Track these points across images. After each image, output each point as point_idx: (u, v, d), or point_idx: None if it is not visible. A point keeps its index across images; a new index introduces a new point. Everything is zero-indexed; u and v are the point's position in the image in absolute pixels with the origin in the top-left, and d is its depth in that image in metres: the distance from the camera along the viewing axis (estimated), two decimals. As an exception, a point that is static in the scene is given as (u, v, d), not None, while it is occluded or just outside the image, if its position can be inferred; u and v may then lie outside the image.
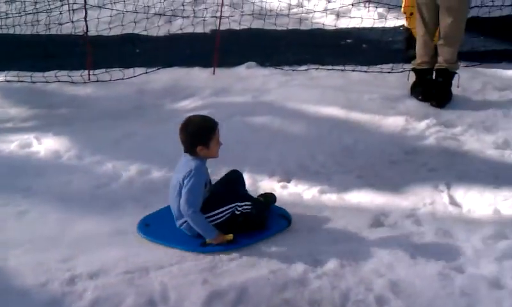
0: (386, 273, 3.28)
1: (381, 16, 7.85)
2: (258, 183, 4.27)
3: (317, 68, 6.29)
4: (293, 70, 6.27)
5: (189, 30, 7.25)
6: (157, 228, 3.73)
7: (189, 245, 3.55)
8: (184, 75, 6.19)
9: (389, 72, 6.18)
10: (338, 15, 7.74)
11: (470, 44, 6.67)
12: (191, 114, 5.02)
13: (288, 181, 4.34)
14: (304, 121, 5.10)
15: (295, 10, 8.07)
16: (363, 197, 4.14)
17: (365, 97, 5.52)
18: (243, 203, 3.64)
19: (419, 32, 5.63)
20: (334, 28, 7.46)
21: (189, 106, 5.40)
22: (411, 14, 6.28)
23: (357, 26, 7.44)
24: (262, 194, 3.97)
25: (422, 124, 5.06)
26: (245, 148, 4.67)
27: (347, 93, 5.60)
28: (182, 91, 5.76)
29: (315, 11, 7.95)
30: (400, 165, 4.57)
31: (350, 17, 7.59)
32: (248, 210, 3.64)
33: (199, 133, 3.58)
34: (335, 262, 3.33)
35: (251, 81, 6.01)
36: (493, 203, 4.03)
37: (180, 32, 7.19)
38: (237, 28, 7.25)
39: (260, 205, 3.75)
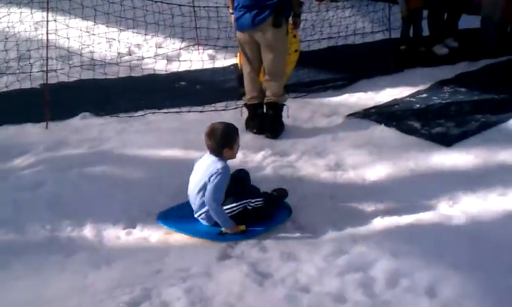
0: (236, 304, 3.34)
1: (211, 57, 8.10)
2: (103, 233, 4.17)
3: (153, 113, 6.31)
4: (129, 117, 6.23)
5: (16, 86, 6.98)
6: (175, 220, 4.26)
7: (208, 235, 4.11)
8: (15, 133, 5.88)
9: (223, 110, 6.35)
10: (168, 60, 7.86)
11: (296, 77, 7.05)
12: (26, 171, 4.94)
13: (134, 227, 4.26)
14: (145, 166, 5.08)
15: (126, 58, 8.08)
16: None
17: (202, 136, 5.58)
18: (255, 200, 4.20)
19: (245, 70, 5.85)
20: (166, 72, 7.56)
21: (23, 164, 5.13)
22: None
23: (188, 69, 7.60)
24: (275, 189, 4.49)
25: (259, 156, 5.26)
26: (86, 200, 4.52)
27: (184, 134, 5.67)
28: (14, 149, 5.44)
29: (144, 58, 8.02)
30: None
31: (180, 61, 7.75)
32: (260, 205, 4.19)
33: (226, 137, 4.21)
34: (185, 301, 3.33)
35: (86, 132, 5.88)
36: (331, 221, 4.25)
37: (6, 89, 6.90)
38: (67, 80, 7.10)
39: (272, 200, 4.35)
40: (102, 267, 3.77)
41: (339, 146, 5.45)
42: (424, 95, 6.61)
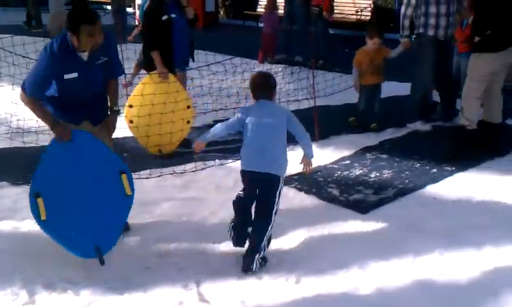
0: None
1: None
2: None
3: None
4: (49, 186, 6.10)
5: None
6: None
7: None
8: None
9: (147, 178, 6.28)
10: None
11: (223, 143, 7.06)
12: None
13: (33, 303, 4.10)
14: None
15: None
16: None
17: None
18: None
19: None
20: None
21: None
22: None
23: (116, 136, 7.52)
24: None
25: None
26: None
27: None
28: None
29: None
30: (154, 269, 4.57)
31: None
32: None
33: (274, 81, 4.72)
34: None
35: (1, 202, 5.73)
36: (238, 294, 4.18)
37: None
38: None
39: None
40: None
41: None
42: (347, 162, 6.68)
